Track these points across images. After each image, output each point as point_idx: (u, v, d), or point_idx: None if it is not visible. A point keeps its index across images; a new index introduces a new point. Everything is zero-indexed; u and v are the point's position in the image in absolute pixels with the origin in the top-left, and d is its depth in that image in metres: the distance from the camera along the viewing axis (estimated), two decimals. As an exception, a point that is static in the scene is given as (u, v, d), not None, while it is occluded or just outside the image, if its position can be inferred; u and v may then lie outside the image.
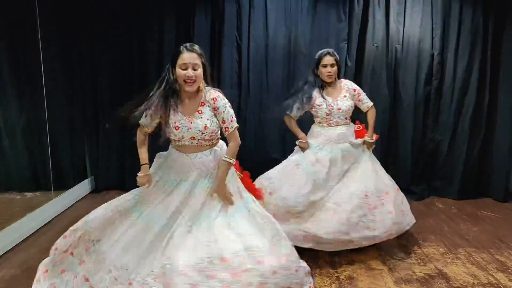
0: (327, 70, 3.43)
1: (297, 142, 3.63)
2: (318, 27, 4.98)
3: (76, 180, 5.11)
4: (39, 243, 3.69)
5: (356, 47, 4.97)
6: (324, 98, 3.46)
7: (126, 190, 5.09)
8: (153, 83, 4.97)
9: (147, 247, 2.44)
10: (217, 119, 2.57)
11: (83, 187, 5.18)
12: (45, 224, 4.12)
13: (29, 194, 4.65)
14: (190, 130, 2.50)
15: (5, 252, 3.47)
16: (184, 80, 2.47)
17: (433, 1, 4.85)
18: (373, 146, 3.63)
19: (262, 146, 5.08)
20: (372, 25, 4.94)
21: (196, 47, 2.51)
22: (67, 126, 5.08)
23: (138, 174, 2.68)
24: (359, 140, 3.55)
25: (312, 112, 3.59)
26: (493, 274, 3.17)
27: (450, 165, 5.11)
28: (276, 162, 5.06)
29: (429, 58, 4.93)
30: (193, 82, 2.47)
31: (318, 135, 3.56)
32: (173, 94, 2.54)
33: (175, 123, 2.51)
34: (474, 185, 5.12)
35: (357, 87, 3.60)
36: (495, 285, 3.01)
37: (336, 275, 3.14)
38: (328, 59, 3.42)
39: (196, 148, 2.57)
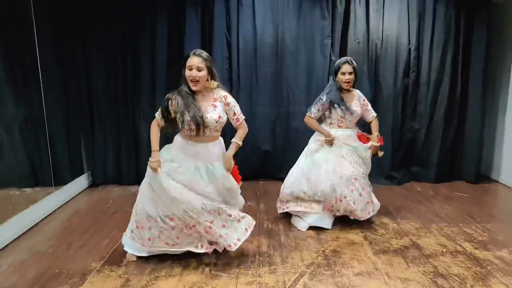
0: (346, 77, 3.74)
1: (325, 140, 3.85)
2: (303, 25, 5.24)
3: (73, 176, 5.23)
4: (44, 232, 3.92)
5: (339, 43, 5.26)
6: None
7: (123, 184, 5.33)
8: (146, 80, 5.19)
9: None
10: (228, 114, 3.12)
11: (80, 182, 5.29)
12: (46, 216, 4.31)
13: (28, 190, 4.73)
14: (206, 119, 2.98)
15: (12, 241, 3.66)
16: (190, 80, 2.96)
17: (409, -1, 5.18)
18: (380, 153, 3.99)
19: (253, 139, 5.30)
20: (353, 22, 5.22)
21: (204, 54, 3.01)
22: (63, 122, 5.15)
23: (150, 160, 3.06)
24: (368, 144, 3.95)
25: (325, 113, 3.89)
26: (461, 243, 3.54)
27: (427, 152, 5.46)
28: (267, 153, 5.39)
29: (406, 52, 5.25)
30: (197, 81, 2.96)
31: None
32: (187, 93, 3.00)
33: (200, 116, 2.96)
34: (449, 169, 5.49)
35: (365, 98, 4.00)
36: (461, 252, 3.38)
37: (322, 249, 3.46)
38: (346, 68, 3.73)
39: (208, 139, 3.09)
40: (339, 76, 3.77)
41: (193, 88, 2.97)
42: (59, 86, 5.06)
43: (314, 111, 3.85)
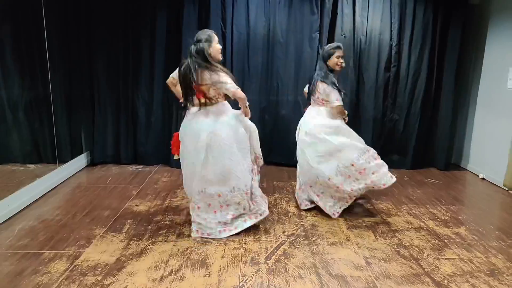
0: (340, 60, 4.00)
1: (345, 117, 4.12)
2: (293, 19, 5.52)
3: (73, 155, 5.50)
4: (49, 203, 4.26)
5: (327, 37, 5.56)
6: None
7: (121, 163, 5.66)
8: (145, 66, 5.44)
9: None
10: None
11: (80, 161, 5.59)
12: (50, 190, 4.65)
13: (31, 166, 4.98)
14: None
15: (20, 210, 4.00)
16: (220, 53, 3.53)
17: (392, -1, 5.52)
18: None
19: None
20: (340, 18, 5.53)
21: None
22: (66, 104, 5.43)
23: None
24: None
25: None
26: (425, 221, 3.98)
27: (404, 141, 5.85)
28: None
29: (388, 48, 5.59)
30: None
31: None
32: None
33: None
34: (423, 158, 5.91)
35: None
36: (424, 228, 3.82)
37: (301, 223, 3.87)
38: (340, 52, 3.97)
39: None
40: (334, 59, 3.96)
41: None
42: (64, 69, 5.32)
43: (339, 98, 3.97)
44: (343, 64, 4.06)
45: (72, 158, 5.44)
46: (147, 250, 3.27)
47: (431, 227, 3.84)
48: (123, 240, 3.44)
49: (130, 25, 5.45)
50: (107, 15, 5.40)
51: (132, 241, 3.43)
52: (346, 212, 4.13)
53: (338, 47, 3.98)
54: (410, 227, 3.84)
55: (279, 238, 3.53)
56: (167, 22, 5.47)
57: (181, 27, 5.41)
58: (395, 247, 3.41)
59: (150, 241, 3.44)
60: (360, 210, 4.26)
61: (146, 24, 5.44)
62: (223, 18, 5.49)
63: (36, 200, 4.32)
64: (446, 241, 3.55)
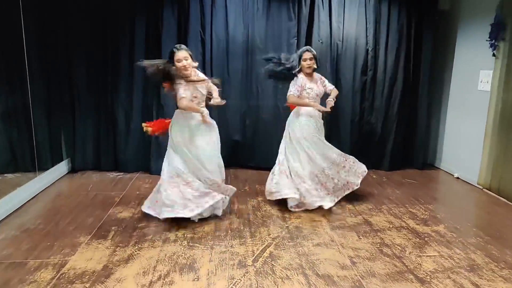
0: (307, 63, 4.29)
1: (322, 108, 4.33)
2: (271, 25, 5.59)
3: (53, 162, 5.43)
4: (31, 212, 4.20)
5: (304, 43, 5.60)
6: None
7: (102, 170, 5.62)
8: (124, 73, 5.45)
9: None
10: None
11: (60, 169, 5.51)
12: (31, 199, 4.57)
13: (9, 175, 4.93)
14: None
15: (0, 220, 3.94)
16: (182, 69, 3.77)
17: (366, 5, 5.62)
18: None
19: (224, 130, 5.57)
20: (317, 24, 5.62)
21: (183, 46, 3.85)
22: (45, 111, 5.35)
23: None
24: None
25: (303, 94, 4.35)
26: (405, 220, 4.10)
27: (382, 143, 5.96)
28: (237, 143, 5.75)
29: (364, 52, 5.71)
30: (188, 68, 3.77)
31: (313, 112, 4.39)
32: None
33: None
34: (400, 159, 6.04)
35: (322, 77, 4.58)
36: (405, 227, 3.94)
37: (286, 225, 3.94)
38: (307, 54, 4.28)
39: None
40: (302, 62, 4.29)
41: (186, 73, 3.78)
42: (43, 76, 5.25)
43: (294, 90, 4.29)
44: (314, 66, 4.35)
45: (52, 166, 5.38)
46: (134, 256, 3.28)
47: (411, 226, 3.96)
48: (109, 247, 3.43)
49: (109, 32, 5.41)
50: (86, 22, 5.35)
51: (118, 247, 3.43)
52: (329, 214, 4.23)
53: (307, 50, 4.30)
54: (391, 226, 3.94)
55: (265, 241, 3.59)
56: (146, 29, 5.45)
57: (161, 34, 5.40)
58: (378, 246, 3.51)
59: (136, 247, 3.44)
60: (342, 211, 4.34)
61: (124, 31, 5.41)
62: (202, 24, 5.50)
63: (17, 209, 4.25)
64: (426, 239, 3.67)
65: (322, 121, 4.52)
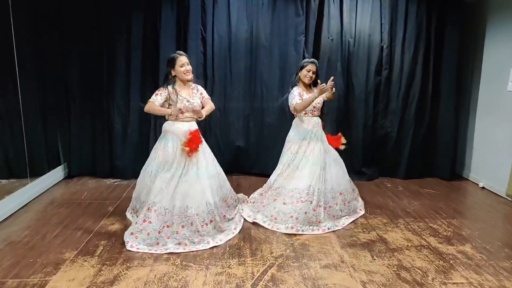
0: (310, 74, 4.07)
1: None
2: (277, 21, 5.30)
3: (50, 167, 5.24)
4: (19, 222, 3.94)
5: (313, 40, 5.33)
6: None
7: (98, 176, 5.34)
8: (121, 75, 5.22)
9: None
10: (199, 98, 3.82)
11: (56, 174, 5.32)
12: (22, 207, 4.33)
13: (3, 181, 4.75)
14: (193, 103, 3.68)
15: None
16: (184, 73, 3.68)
17: (381, -2, 5.29)
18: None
19: (226, 134, 5.40)
20: (327, 20, 5.30)
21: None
22: (40, 114, 5.16)
23: (174, 109, 3.59)
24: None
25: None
26: (425, 238, 3.67)
27: (398, 149, 5.59)
28: (240, 149, 5.45)
29: (378, 50, 5.36)
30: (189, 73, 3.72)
31: (309, 122, 4.12)
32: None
33: (187, 100, 3.65)
34: (420, 167, 5.62)
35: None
36: (426, 246, 3.50)
37: (291, 242, 3.56)
38: (311, 66, 4.06)
39: (191, 119, 3.73)
40: (304, 71, 4.07)
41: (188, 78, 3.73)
42: (36, 79, 5.06)
43: (297, 99, 4.00)
44: (313, 79, 4.11)
45: (49, 170, 5.20)
46: (121, 277, 2.94)
47: (433, 244, 3.54)
48: (94, 265, 3.10)
49: (104, 30, 5.19)
50: (80, 20, 5.14)
51: (105, 266, 3.10)
52: (339, 229, 3.85)
53: (312, 62, 4.10)
54: (410, 245, 3.53)
55: (266, 261, 3.21)
56: (143, 27, 5.22)
57: (159, 32, 5.17)
58: (395, 269, 3.10)
59: (124, 265, 3.11)
60: (353, 225, 3.95)
61: (121, 29, 5.18)
62: (203, 22, 5.27)
63: (5, 219, 4.00)
64: (451, 261, 3.24)
65: (319, 131, 4.15)
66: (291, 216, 3.83)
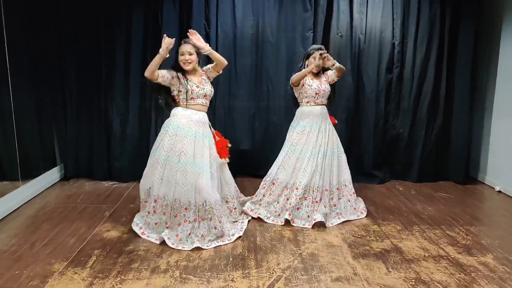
0: (316, 62, 3.96)
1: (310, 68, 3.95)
2: (284, 17, 5.10)
3: (45, 168, 5.06)
4: (8, 229, 3.71)
5: (321, 36, 5.11)
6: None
7: (95, 178, 5.15)
8: (120, 72, 5.07)
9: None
10: (210, 77, 3.77)
11: (52, 175, 5.14)
12: (12, 211, 4.11)
13: None
14: (204, 89, 3.59)
15: None
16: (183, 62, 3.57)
17: (393, -7, 5.07)
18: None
19: (231, 134, 5.17)
20: (336, 15, 5.09)
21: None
22: (35, 113, 4.97)
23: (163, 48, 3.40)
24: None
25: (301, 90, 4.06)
26: (443, 247, 3.41)
27: (410, 150, 5.36)
28: (245, 149, 5.23)
29: (390, 47, 5.14)
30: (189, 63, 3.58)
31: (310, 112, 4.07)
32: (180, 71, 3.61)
33: (196, 86, 3.56)
34: (433, 169, 5.38)
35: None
36: (444, 257, 3.24)
37: (299, 252, 3.31)
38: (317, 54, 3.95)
39: (202, 108, 3.64)
40: (311, 60, 4.00)
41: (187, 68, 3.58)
42: (31, 77, 4.86)
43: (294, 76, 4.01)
44: (320, 67, 4.06)
45: (44, 172, 5.00)
46: (114, 292, 2.70)
47: (452, 255, 3.27)
48: (85, 279, 2.86)
49: (103, 26, 5.01)
50: (77, 15, 4.97)
51: (97, 279, 2.85)
52: (350, 236, 3.61)
53: (319, 49, 4.00)
54: (427, 255, 3.26)
55: (273, 273, 2.96)
56: (144, 22, 5.04)
57: (160, 28, 4.96)
58: (413, 283, 2.84)
59: (118, 278, 2.87)
60: (365, 233, 3.70)
61: (120, 25, 4.99)
62: (206, 17, 5.09)
63: (-5, 224, 3.78)
64: (473, 274, 2.98)
65: (326, 121, 4.10)
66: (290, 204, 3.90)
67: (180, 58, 3.57)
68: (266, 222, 3.91)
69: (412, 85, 5.23)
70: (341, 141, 4.20)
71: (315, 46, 4.09)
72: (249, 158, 5.34)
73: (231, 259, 3.16)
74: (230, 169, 3.92)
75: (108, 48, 5.04)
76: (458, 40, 5.15)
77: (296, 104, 4.21)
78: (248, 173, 5.39)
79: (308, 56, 4.03)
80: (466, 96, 5.19)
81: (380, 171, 5.32)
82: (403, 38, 5.15)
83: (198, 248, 3.32)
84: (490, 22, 5.23)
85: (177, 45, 3.59)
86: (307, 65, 4.01)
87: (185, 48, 3.57)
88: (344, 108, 5.15)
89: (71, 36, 5.01)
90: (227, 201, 3.83)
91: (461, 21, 5.10)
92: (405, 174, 5.40)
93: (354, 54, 5.17)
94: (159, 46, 3.38)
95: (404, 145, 5.35)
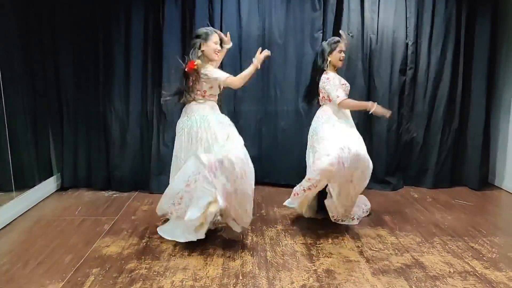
0: (342, 55, 3.93)
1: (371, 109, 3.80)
2: (292, 16, 4.94)
3: (41, 178, 4.86)
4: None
5: (331, 36, 4.84)
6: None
7: (94, 188, 4.97)
8: (119, 75, 4.89)
9: None
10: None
11: (48, 185, 4.93)
12: (6, 225, 3.89)
13: None
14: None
15: None
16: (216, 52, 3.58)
17: (406, -10, 4.90)
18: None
19: None
20: (347, 15, 4.93)
21: None
22: (30, 120, 4.78)
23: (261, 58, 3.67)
24: None
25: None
26: (469, 262, 3.16)
27: (424, 155, 5.16)
28: (251, 157, 4.99)
29: (403, 47, 4.96)
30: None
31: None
32: None
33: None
34: (449, 175, 5.18)
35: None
36: (471, 272, 3.00)
37: (313, 268, 3.07)
38: (342, 46, 3.91)
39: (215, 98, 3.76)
40: (336, 54, 3.88)
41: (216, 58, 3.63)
42: (25, 82, 4.67)
43: (341, 93, 3.82)
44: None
45: (40, 182, 4.79)
46: (113, 317, 2.47)
47: (479, 270, 3.02)
48: (81, 302, 2.63)
49: (101, 26, 4.82)
50: (74, 16, 4.79)
51: (94, 303, 2.63)
52: (367, 249, 3.37)
53: (339, 41, 3.93)
54: (452, 271, 3.02)
55: (286, 293, 2.73)
56: (144, 22, 4.85)
57: (162, 29, 4.79)
58: (441, 304, 2.61)
59: (117, 301, 2.64)
60: (383, 245, 3.46)
61: (119, 25, 4.81)
62: (210, 17, 4.91)
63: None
64: (505, 293, 2.74)
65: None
66: None
67: (214, 47, 3.53)
68: (279, 236, 3.68)
69: (427, 88, 5.05)
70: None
71: (333, 38, 3.98)
72: (256, 165, 5.11)
73: (240, 278, 2.93)
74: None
75: (106, 51, 4.86)
76: (475, 40, 4.98)
77: (318, 102, 4.08)
78: (255, 181, 5.17)
79: (331, 51, 3.87)
80: (482, 99, 5.00)
81: (394, 177, 5.11)
82: (417, 38, 4.97)
83: (204, 266, 3.09)
84: (508, 20, 5.03)
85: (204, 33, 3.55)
86: (329, 61, 3.88)
87: (215, 38, 3.56)
88: (355, 112, 4.93)
89: (67, 39, 4.84)
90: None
91: (478, 20, 4.93)
92: (420, 180, 5.20)
93: (366, 55, 4.99)
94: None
95: (419, 150, 5.16)
